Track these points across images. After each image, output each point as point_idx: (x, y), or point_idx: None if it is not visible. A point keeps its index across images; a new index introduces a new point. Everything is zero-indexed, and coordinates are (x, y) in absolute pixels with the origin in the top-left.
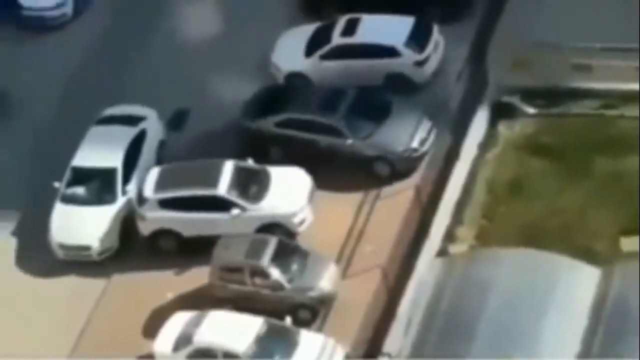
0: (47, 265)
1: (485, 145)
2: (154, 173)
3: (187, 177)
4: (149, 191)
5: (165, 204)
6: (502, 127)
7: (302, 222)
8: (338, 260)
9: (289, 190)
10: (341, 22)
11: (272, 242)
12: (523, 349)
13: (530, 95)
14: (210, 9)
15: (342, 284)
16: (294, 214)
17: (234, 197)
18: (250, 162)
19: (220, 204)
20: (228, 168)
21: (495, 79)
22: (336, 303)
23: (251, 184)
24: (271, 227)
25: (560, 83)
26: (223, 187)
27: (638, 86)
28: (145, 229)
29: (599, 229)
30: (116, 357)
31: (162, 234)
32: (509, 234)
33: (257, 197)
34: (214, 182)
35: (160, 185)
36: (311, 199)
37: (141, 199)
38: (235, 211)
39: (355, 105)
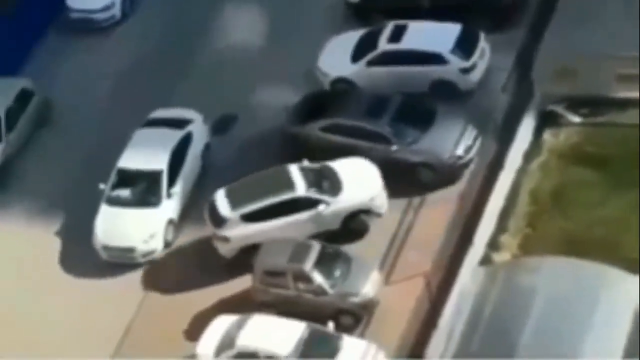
0: (92, 266)
1: (530, 154)
2: (220, 195)
3: (259, 189)
4: (225, 210)
5: (248, 218)
6: (547, 136)
7: (383, 205)
8: (381, 267)
9: (361, 176)
10: (388, 28)
11: (316, 247)
12: (565, 357)
13: (575, 104)
14: (258, 14)
15: (384, 290)
16: (376, 197)
17: (315, 194)
18: (306, 163)
19: (303, 204)
20: (294, 170)
21: (541, 87)
22: (379, 309)
23: (322, 180)
24: (355, 216)
25: (606, 93)
26: (301, 188)
27: None
28: (227, 250)
29: None
30: None
31: (248, 250)
32: (553, 243)
33: (335, 190)
34: (289, 185)
35: (235, 203)
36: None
37: (218, 221)
38: (321, 206)
39: (400, 112)
